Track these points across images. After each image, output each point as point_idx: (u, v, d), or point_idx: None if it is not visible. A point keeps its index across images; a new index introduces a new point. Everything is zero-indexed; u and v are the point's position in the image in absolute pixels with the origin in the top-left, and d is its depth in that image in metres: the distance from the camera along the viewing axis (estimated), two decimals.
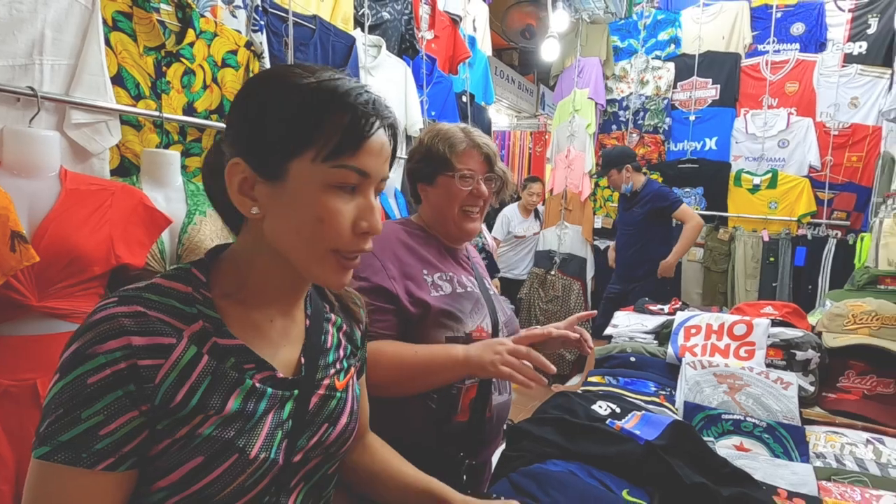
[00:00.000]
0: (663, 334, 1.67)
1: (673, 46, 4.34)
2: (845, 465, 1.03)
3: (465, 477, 1.00)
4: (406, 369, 0.91)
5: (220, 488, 0.52)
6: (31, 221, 1.12)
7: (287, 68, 0.57)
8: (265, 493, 0.57)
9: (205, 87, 1.61)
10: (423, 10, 2.75)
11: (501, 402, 1.08)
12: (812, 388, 1.31)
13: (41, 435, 0.48)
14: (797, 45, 3.91)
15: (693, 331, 1.55)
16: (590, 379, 1.40)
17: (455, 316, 1.00)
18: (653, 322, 1.79)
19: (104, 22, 1.35)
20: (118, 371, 0.48)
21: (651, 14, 4.41)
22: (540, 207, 4.35)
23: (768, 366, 1.36)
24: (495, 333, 1.06)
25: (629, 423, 1.04)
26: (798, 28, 3.93)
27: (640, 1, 4.50)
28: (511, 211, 4.11)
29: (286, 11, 1.91)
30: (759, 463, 1.01)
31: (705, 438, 1.08)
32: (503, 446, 1.03)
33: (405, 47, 2.61)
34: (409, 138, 2.54)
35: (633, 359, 1.52)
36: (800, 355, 1.36)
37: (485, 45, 3.55)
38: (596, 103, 4.30)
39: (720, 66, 4.10)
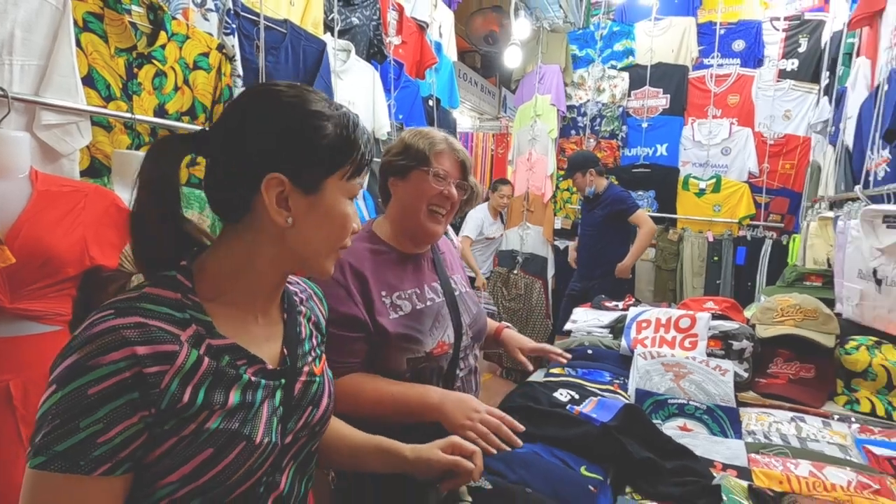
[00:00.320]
0: (618, 328, 1.81)
1: (630, 58, 4.55)
2: (771, 440, 1.17)
3: None
4: (384, 407, 0.96)
5: (230, 474, 0.58)
6: (2, 223, 1.11)
7: (307, 94, 0.63)
8: (265, 473, 0.63)
9: (176, 88, 1.62)
10: (391, 16, 2.80)
11: None
12: (746, 375, 1.47)
13: (36, 445, 0.49)
14: (738, 60, 4.20)
15: (644, 325, 1.69)
16: (551, 370, 1.52)
17: (413, 339, 1.01)
18: (608, 317, 1.92)
19: (75, 23, 1.34)
20: (123, 380, 0.50)
21: (607, 25, 4.62)
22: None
23: (709, 355, 1.51)
24: (458, 340, 1.09)
25: (587, 407, 1.15)
26: (739, 44, 4.22)
27: (597, 12, 4.70)
28: (482, 212, 4.10)
29: (258, 15, 1.92)
30: (699, 441, 1.14)
31: (654, 420, 1.21)
32: None
33: (373, 52, 2.64)
34: (377, 141, 2.59)
35: (590, 351, 1.65)
36: (736, 345, 1.51)
37: (450, 51, 3.62)
38: (558, 109, 4.47)
39: (670, 78, 4.35)
